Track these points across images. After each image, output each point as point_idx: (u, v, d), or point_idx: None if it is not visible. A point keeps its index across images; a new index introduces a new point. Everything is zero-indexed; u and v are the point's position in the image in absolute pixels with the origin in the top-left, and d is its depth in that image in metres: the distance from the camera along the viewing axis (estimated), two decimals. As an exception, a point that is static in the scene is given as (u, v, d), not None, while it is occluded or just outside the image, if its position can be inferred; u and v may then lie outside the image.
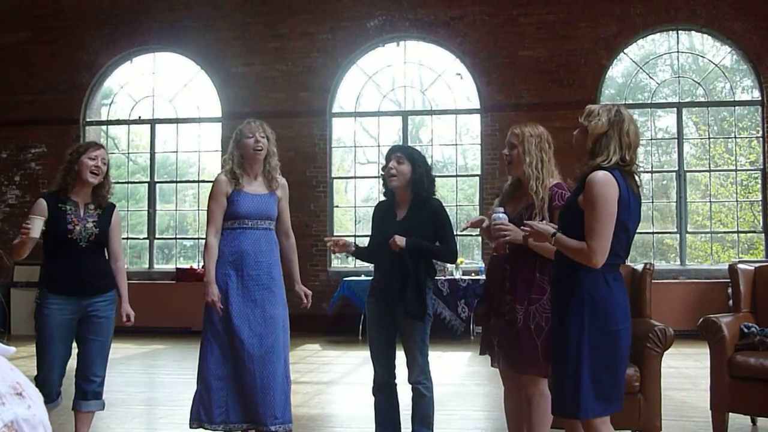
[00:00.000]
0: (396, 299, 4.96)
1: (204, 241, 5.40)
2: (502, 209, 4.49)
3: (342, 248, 5.19)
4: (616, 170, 3.77)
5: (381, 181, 5.30)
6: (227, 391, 5.13)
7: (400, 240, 4.91)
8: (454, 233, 5.22)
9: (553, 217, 4.44)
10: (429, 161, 5.42)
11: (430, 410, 5.06)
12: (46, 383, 5.00)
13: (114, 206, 5.32)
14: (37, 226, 4.79)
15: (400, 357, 5.10)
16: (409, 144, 14.04)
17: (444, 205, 5.22)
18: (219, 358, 5.16)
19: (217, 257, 5.25)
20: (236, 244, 5.21)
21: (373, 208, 5.49)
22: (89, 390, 5.13)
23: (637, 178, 3.92)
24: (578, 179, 3.91)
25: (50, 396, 5.04)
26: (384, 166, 5.16)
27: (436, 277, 11.34)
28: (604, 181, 3.72)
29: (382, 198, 5.38)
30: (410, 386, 5.06)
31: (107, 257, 5.28)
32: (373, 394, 5.20)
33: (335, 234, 13.88)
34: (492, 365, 4.72)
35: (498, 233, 4.37)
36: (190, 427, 5.25)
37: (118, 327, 5.25)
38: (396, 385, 5.18)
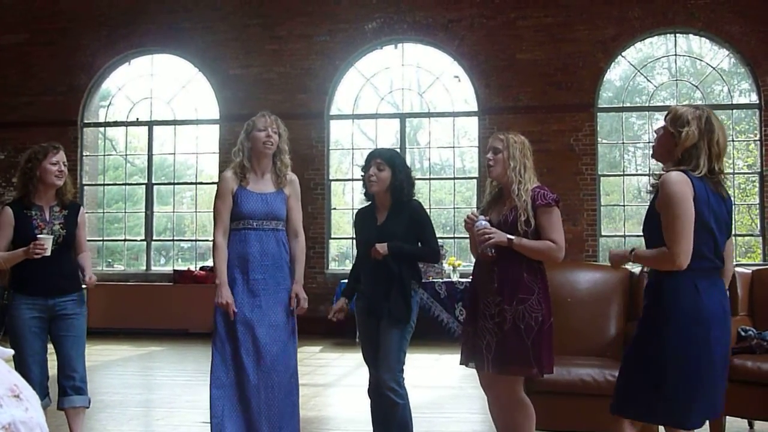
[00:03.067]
0: (380, 302, 4.98)
1: (212, 242, 5.13)
2: (484, 217, 4.57)
3: (341, 311, 5.28)
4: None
5: (362, 185, 5.29)
6: (224, 401, 4.88)
7: (381, 247, 4.94)
8: (435, 232, 5.22)
9: (537, 216, 4.48)
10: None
11: (407, 417, 5.02)
12: (28, 383, 4.99)
13: (79, 205, 5.40)
14: (49, 245, 4.96)
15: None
16: (407, 147, 14.05)
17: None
18: (220, 365, 4.92)
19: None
20: (241, 246, 4.97)
21: (354, 215, 5.50)
22: (68, 385, 5.17)
23: (723, 184, 3.82)
24: (654, 184, 3.83)
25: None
26: (364, 168, 5.19)
27: (434, 280, 11.44)
28: (677, 179, 3.65)
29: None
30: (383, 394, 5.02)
31: (73, 256, 5.34)
32: (369, 395, 5.21)
33: (332, 237, 13.91)
34: (478, 371, 4.67)
35: (482, 237, 4.43)
36: None
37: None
38: None
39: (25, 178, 5.19)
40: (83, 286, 5.29)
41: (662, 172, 3.78)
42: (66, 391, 5.17)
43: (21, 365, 5.02)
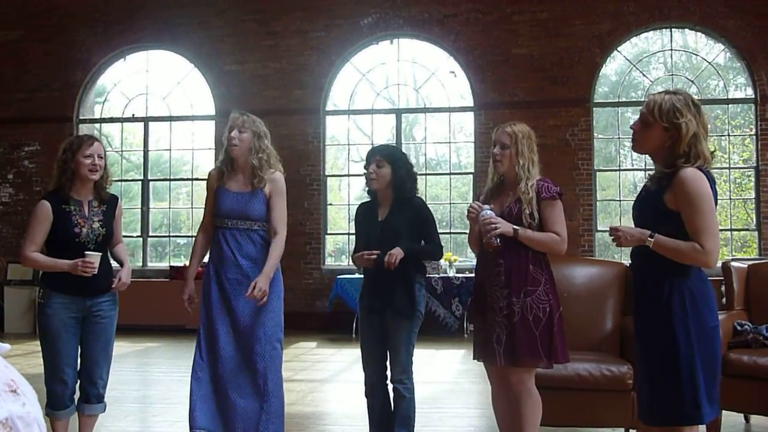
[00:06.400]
0: (384, 297, 4.98)
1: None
2: (488, 206, 4.55)
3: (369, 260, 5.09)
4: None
5: (365, 181, 5.26)
6: (198, 394, 4.93)
7: (397, 251, 4.88)
8: (438, 229, 5.22)
9: (540, 209, 4.51)
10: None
11: (411, 412, 5.02)
12: (59, 387, 4.88)
13: (116, 198, 5.14)
14: (97, 263, 4.77)
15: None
16: (403, 142, 14.05)
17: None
18: (198, 360, 4.98)
19: (206, 255, 5.13)
20: (217, 244, 5.03)
21: (356, 210, 5.46)
22: (93, 393, 5.00)
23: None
24: (658, 179, 3.72)
25: (63, 401, 4.92)
26: (365, 165, 5.16)
27: (430, 275, 11.44)
28: (700, 177, 3.57)
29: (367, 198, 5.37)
30: (391, 386, 5.04)
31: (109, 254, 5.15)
32: (366, 396, 5.21)
33: (328, 232, 13.90)
34: (490, 364, 4.67)
35: (488, 227, 4.43)
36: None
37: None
38: (387, 386, 5.16)
39: (60, 171, 4.89)
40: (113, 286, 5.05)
41: (669, 169, 3.65)
42: (89, 399, 5.00)
43: (54, 367, 4.86)
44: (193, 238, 5.31)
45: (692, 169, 3.59)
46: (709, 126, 3.73)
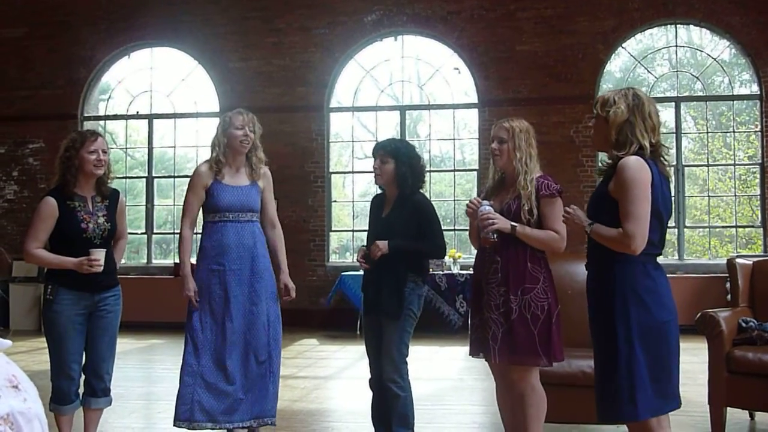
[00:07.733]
0: (373, 296, 4.99)
1: (179, 233, 5.32)
2: (488, 202, 4.54)
3: (364, 258, 5.14)
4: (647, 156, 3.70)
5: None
6: (194, 388, 5.01)
7: (383, 244, 4.91)
8: (441, 227, 5.16)
9: (540, 206, 4.49)
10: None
11: (407, 410, 5.00)
12: (65, 383, 4.91)
13: (118, 193, 5.15)
14: (103, 259, 4.76)
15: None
16: (407, 139, 14.04)
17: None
18: (192, 353, 5.05)
19: (201, 251, 5.15)
20: (218, 237, 5.09)
21: (371, 201, 5.49)
22: (99, 387, 5.02)
23: (664, 160, 3.83)
24: (605, 169, 3.83)
25: (69, 396, 4.94)
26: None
27: (434, 272, 11.43)
28: (638, 165, 3.64)
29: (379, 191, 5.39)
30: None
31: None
32: (370, 387, 5.22)
33: (333, 229, 13.90)
34: (486, 360, 4.67)
35: (485, 222, 4.41)
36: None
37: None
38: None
39: (64, 167, 4.89)
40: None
41: (616, 156, 3.75)
42: (96, 392, 5.02)
43: (61, 363, 4.88)
44: (199, 236, 5.31)
45: (635, 158, 3.68)
46: (661, 122, 3.79)
